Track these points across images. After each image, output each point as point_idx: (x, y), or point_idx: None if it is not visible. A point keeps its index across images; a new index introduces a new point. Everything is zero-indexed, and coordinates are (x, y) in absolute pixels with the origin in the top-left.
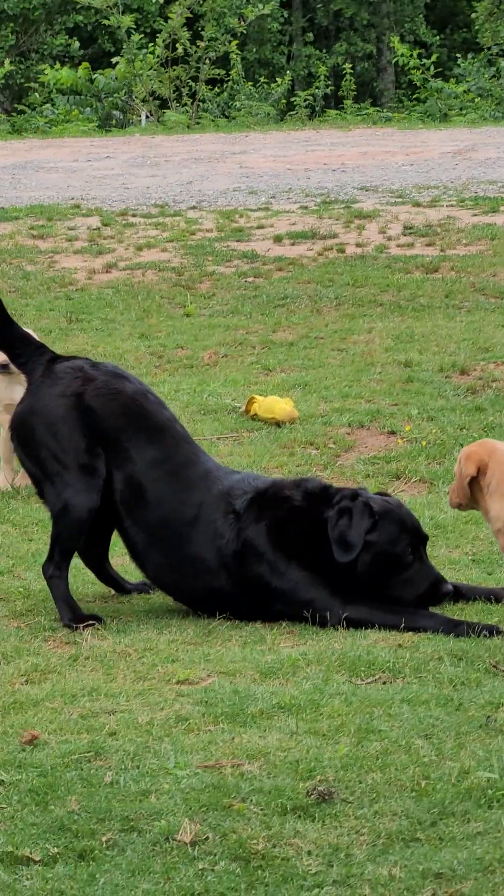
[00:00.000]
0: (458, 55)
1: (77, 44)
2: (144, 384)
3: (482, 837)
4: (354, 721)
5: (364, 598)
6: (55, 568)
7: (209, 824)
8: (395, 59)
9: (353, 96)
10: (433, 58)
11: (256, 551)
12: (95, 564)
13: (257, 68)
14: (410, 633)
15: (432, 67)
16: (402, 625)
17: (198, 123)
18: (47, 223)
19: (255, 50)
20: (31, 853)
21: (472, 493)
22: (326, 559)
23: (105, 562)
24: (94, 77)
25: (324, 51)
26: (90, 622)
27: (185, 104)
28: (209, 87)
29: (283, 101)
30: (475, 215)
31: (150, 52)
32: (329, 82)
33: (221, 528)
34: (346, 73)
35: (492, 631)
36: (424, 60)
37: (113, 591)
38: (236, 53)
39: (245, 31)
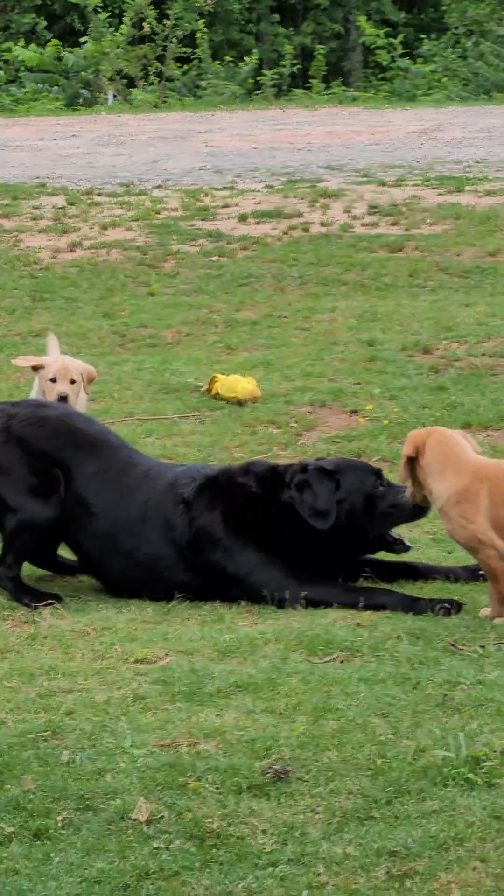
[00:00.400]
0: (425, 35)
1: (44, 22)
2: (69, 408)
3: (437, 815)
4: (311, 700)
5: (323, 577)
6: (7, 569)
7: (165, 803)
8: (363, 39)
9: (322, 76)
10: (400, 37)
11: (212, 539)
12: (46, 564)
13: (225, 49)
14: (369, 613)
15: (399, 47)
16: (361, 603)
17: (164, 102)
18: (12, 202)
19: (221, 31)
20: None
21: (416, 476)
22: (285, 541)
23: (55, 558)
24: (61, 55)
25: (291, 30)
26: (49, 601)
27: (152, 83)
28: (177, 64)
29: (250, 80)
30: (440, 195)
31: (117, 31)
32: (296, 62)
33: (172, 519)
34: (318, 53)
35: (451, 607)
36: (391, 40)
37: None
38: (203, 32)
39: (212, 10)
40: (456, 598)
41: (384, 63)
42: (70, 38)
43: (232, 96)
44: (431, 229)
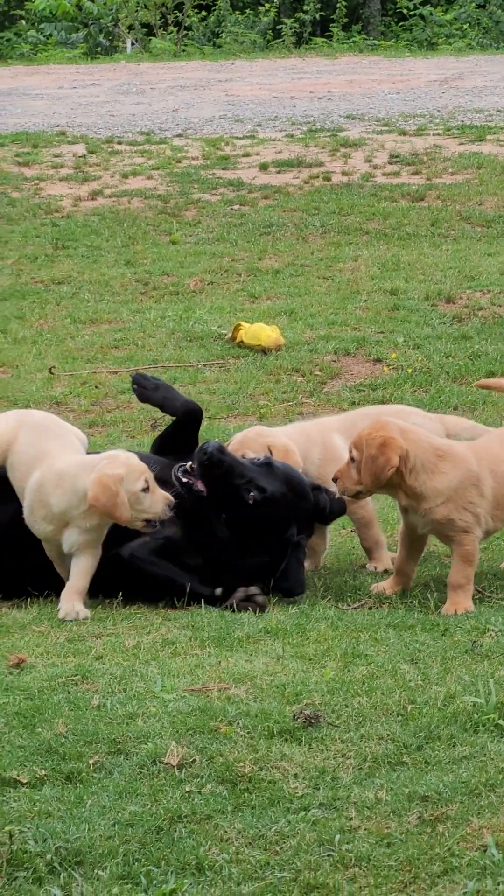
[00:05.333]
0: None
1: None
2: None
3: (468, 761)
4: (341, 646)
5: None
6: None
7: (196, 747)
8: None
9: (343, 24)
10: None
11: None
12: None
13: None
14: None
15: None
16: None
17: (184, 51)
18: (33, 150)
19: None
20: (18, 775)
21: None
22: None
23: None
24: (81, 4)
25: None
26: None
27: (171, 32)
28: (196, 10)
29: (270, 29)
30: (461, 144)
31: None
32: (318, 5)
33: None
34: (339, 2)
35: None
36: None
37: None
38: None
39: None
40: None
41: (405, 10)
42: None
43: (251, 45)
44: (453, 178)
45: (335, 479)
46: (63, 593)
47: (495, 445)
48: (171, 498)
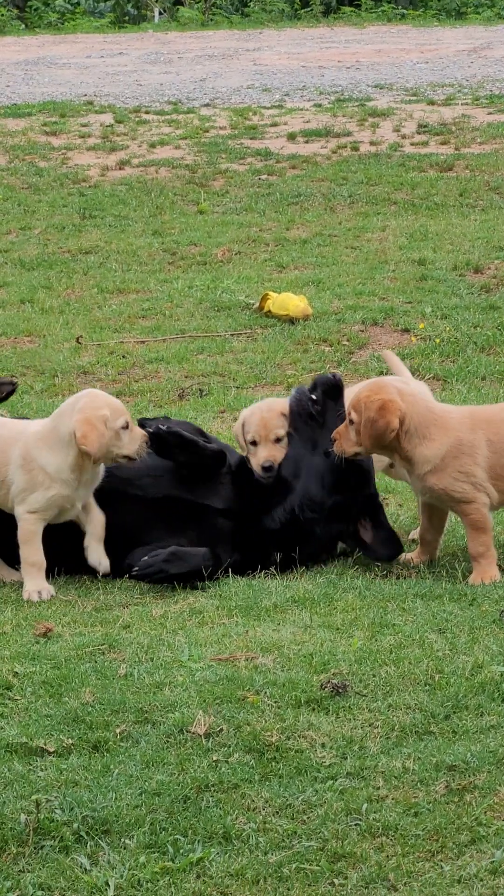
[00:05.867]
0: None
1: None
2: None
3: (495, 731)
4: (368, 615)
5: None
6: None
7: (223, 716)
8: None
9: None
10: None
11: None
12: None
13: None
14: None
15: None
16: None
17: (211, 20)
18: (60, 120)
19: None
20: (45, 744)
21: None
22: None
23: None
24: None
25: None
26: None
27: (199, 1)
28: None
29: None
30: (490, 114)
31: None
32: None
33: None
34: None
35: None
36: None
37: None
38: None
39: None
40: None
41: None
42: None
43: (280, 14)
44: (481, 148)
45: (333, 440)
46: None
47: (499, 415)
48: (147, 436)
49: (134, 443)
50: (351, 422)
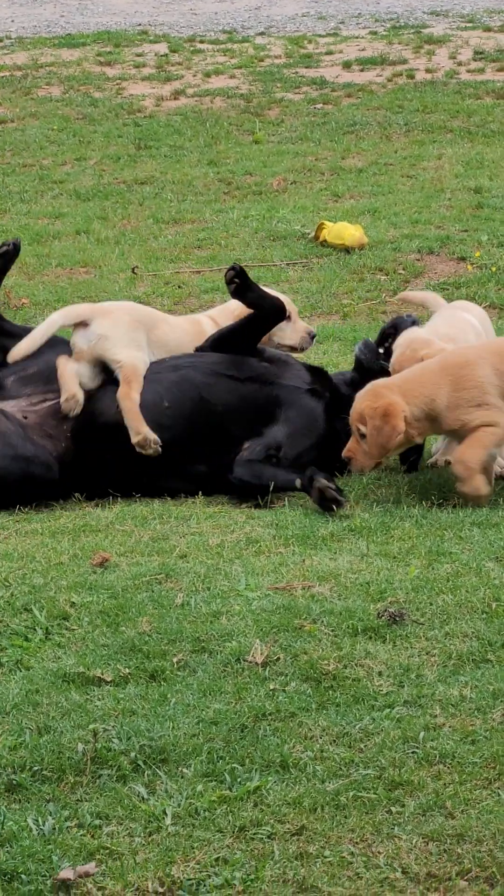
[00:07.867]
0: None
1: None
2: None
3: None
4: (425, 544)
5: None
6: None
7: (280, 645)
8: None
9: None
10: None
11: None
12: None
13: None
14: None
15: None
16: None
17: None
18: (114, 50)
19: None
20: (102, 674)
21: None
22: None
23: None
24: None
25: None
26: None
27: None
28: None
29: None
30: None
31: None
32: None
33: None
34: None
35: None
36: None
37: None
38: None
39: None
40: None
41: None
42: None
43: None
44: None
45: (348, 460)
46: None
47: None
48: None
49: (296, 334)
50: (362, 436)
